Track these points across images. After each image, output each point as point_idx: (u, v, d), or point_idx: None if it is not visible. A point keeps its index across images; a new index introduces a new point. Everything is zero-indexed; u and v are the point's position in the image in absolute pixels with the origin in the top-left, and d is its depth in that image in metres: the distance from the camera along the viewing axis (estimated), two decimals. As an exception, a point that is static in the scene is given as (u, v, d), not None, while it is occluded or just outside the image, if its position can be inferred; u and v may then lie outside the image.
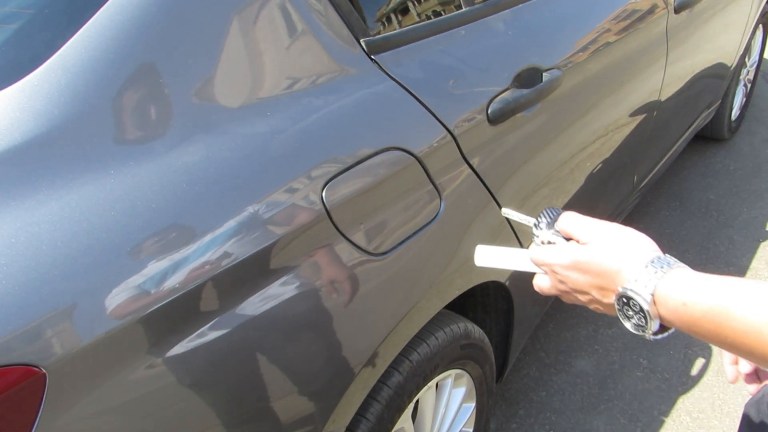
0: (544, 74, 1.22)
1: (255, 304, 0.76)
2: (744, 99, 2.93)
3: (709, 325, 0.51)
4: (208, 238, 0.72)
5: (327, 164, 0.84)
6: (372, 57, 0.98)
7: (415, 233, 0.97)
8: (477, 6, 1.21)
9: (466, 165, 1.07)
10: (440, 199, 1.01)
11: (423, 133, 0.99)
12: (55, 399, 0.60)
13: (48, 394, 0.59)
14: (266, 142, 0.81)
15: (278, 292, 0.79)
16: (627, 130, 1.66)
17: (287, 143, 0.82)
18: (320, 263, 0.84)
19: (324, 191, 0.83)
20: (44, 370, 0.59)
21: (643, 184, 1.99)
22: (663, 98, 1.82)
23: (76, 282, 0.62)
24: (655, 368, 1.78)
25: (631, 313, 0.56)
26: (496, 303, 1.35)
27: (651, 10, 1.64)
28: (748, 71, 2.86)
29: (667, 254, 0.56)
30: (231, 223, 0.74)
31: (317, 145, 0.85)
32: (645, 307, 0.54)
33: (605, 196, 1.69)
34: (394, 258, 0.93)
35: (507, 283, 1.26)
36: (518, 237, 1.25)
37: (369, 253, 0.89)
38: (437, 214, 1.01)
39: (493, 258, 0.69)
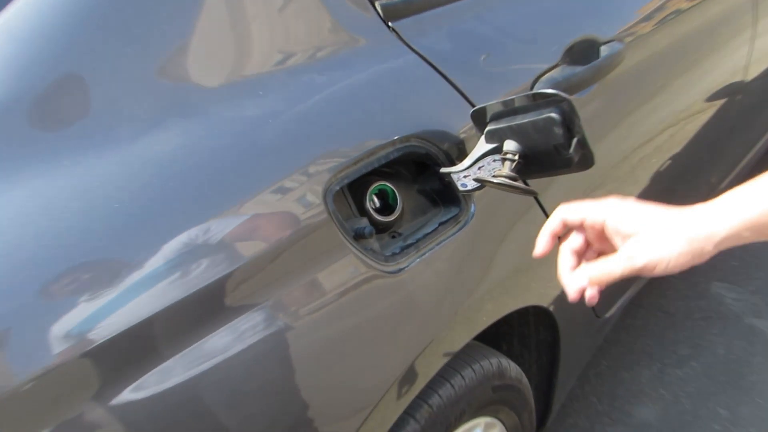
0: (601, 48, 1.23)
1: (237, 334, 0.76)
2: None
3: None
4: (184, 246, 0.72)
5: (332, 157, 0.85)
6: (389, 24, 0.99)
7: (437, 244, 0.97)
8: (518, -39, 1.21)
9: (503, 160, 1.07)
10: (471, 202, 1.02)
11: (451, 119, 0.99)
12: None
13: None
14: (257, 129, 0.81)
15: (264, 318, 0.78)
16: (703, 119, 1.66)
17: (283, 130, 0.83)
18: (319, 281, 0.84)
19: (328, 191, 0.83)
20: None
21: (722, 186, 1.98)
22: (749, 78, 1.82)
23: (12, 304, 0.62)
24: (737, 420, 1.77)
25: None
26: (537, 333, 1.35)
27: (735, -31, 1.65)
28: None
29: None
30: (213, 228, 0.74)
31: (320, 134, 0.86)
32: None
33: (675, 201, 1.68)
34: (411, 274, 0.93)
35: (551, 308, 1.26)
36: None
37: (380, 269, 0.89)
38: (466, 221, 1.01)
39: None
